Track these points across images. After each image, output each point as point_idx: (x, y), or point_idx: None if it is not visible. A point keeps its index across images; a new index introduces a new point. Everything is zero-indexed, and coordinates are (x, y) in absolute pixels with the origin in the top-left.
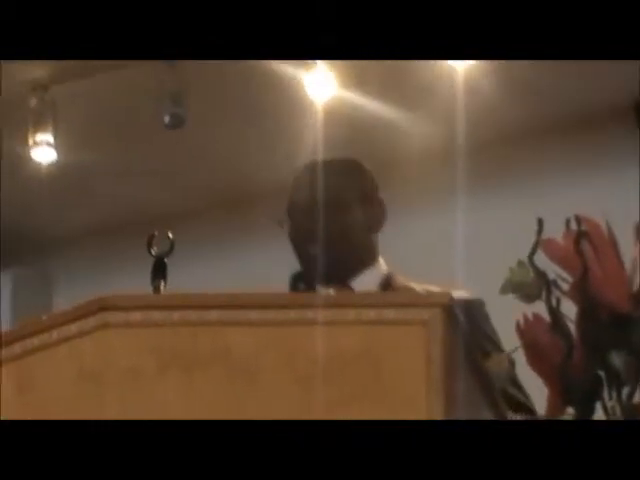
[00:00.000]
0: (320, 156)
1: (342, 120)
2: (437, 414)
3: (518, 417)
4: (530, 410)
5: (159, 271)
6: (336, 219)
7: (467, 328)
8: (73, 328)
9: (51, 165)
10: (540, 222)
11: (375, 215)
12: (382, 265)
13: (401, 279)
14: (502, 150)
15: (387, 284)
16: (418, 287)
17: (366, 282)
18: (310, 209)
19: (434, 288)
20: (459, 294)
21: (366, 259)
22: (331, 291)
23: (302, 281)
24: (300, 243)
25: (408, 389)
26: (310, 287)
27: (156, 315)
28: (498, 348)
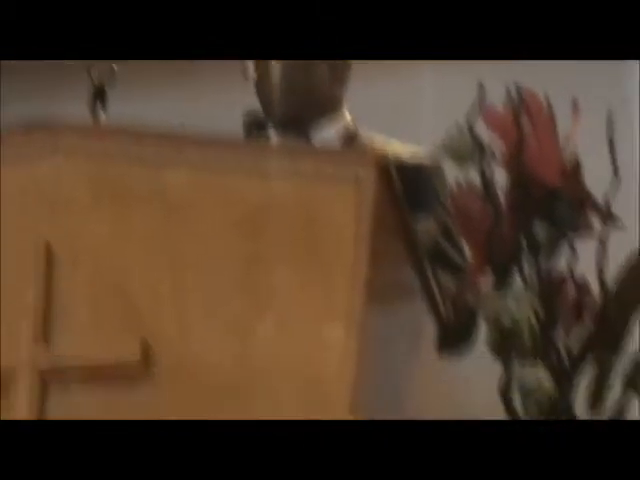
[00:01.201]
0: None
1: None
2: (362, 269)
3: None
4: (458, 266)
5: (99, 99)
6: (299, 64)
7: (408, 187)
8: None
9: None
10: (481, 87)
11: (339, 65)
12: (345, 116)
13: (362, 130)
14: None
15: (348, 136)
16: (378, 140)
17: (326, 131)
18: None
19: (397, 145)
20: (413, 146)
21: (328, 108)
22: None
23: (256, 124)
24: (262, 82)
25: (336, 243)
26: (265, 129)
27: (93, 144)
28: (443, 206)
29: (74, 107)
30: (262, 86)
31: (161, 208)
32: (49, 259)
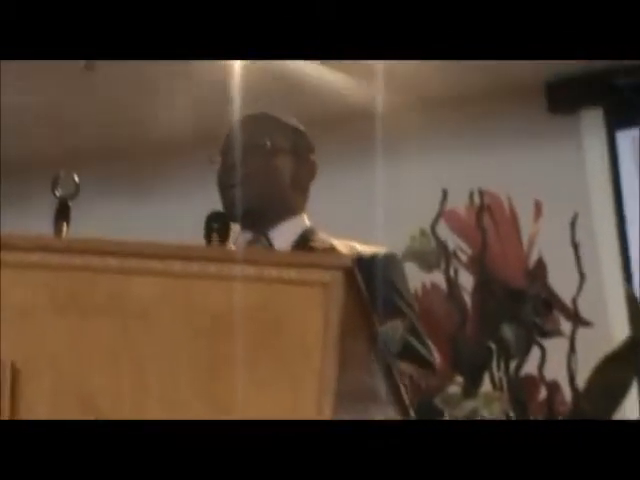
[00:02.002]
0: (237, 110)
1: (268, 75)
2: (330, 375)
3: (418, 370)
4: (429, 363)
5: (62, 213)
6: (264, 164)
7: (371, 288)
8: None
9: None
10: (444, 193)
11: (304, 172)
12: (304, 220)
13: (321, 235)
14: (415, 117)
15: (306, 238)
16: (338, 243)
17: (285, 233)
18: (241, 152)
19: (354, 244)
20: (374, 248)
21: (288, 211)
22: (246, 237)
23: (217, 222)
24: (224, 181)
25: (303, 348)
26: (226, 229)
27: (55, 258)
28: (408, 304)
29: (37, 222)
30: (225, 178)
31: (123, 315)
32: (13, 371)
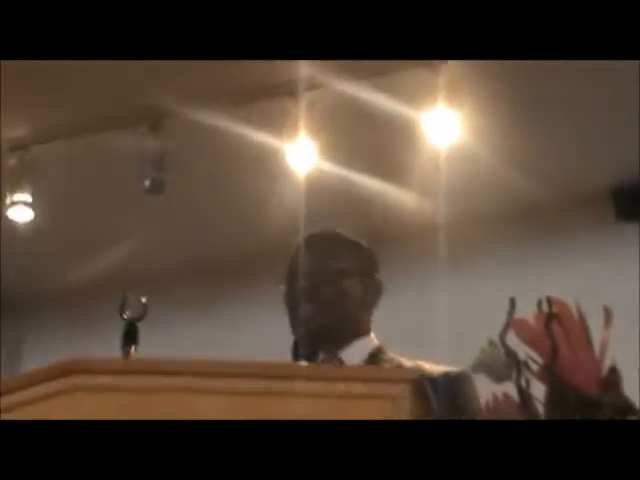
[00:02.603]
0: (302, 228)
1: (324, 192)
2: None
3: None
4: None
5: (130, 335)
6: (334, 287)
7: (441, 403)
8: (40, 390)
9: (27, 225)
10: (512, 302)
11: (372, 292)
12: (373, 338)
13: (390, 353)
14: (479, 229)
15: (376, 356)
16: (407, 362)
17: (355, 353)
18: (309, 274)
19: (423, 363)
20: (444, 367)
21: (358, 330)
22: (320, 360)
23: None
24: (292, 303)
25: None
26: (302, 353)
27: (124, 380)
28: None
29: (106, 346)
30: (293, 299)
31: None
32: None
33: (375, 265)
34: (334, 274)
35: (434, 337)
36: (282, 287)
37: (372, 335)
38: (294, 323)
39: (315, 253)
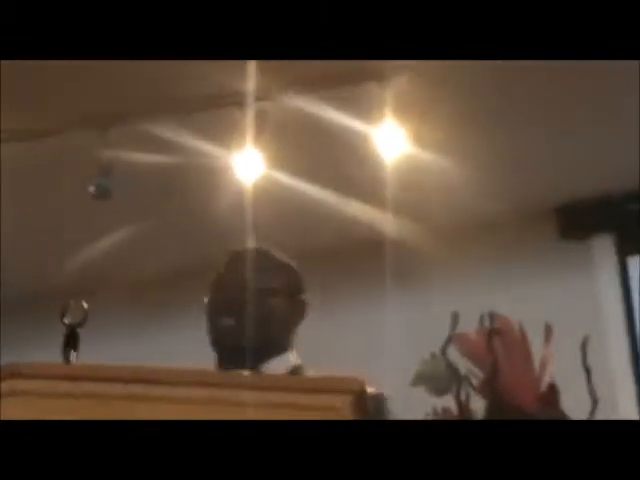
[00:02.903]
0: (250, 237)
1: (272, 204)
2: None
3: None
4: None
5: (71, 341)
6: (260, 304)
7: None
8: None
9: None
10: (455, 316)
11: (296, 312)
12: (294, 356)
13: (311, 371)
14: (427, 243)
15: (296, 374)
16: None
17: (275, 369)
18: (236, 288)
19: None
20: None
21: (279, 349)
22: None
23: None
24: (215, 318)
25: None
26: (219, 363)
27: (64, 385)
28: None
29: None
30: (216, 311)
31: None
32: None
33: (301, 286)
34: (261, 292)
35: (380, 350)
36: (206, 298)
37: (293, 353)
38: (215, 335)
39: (244, 269)
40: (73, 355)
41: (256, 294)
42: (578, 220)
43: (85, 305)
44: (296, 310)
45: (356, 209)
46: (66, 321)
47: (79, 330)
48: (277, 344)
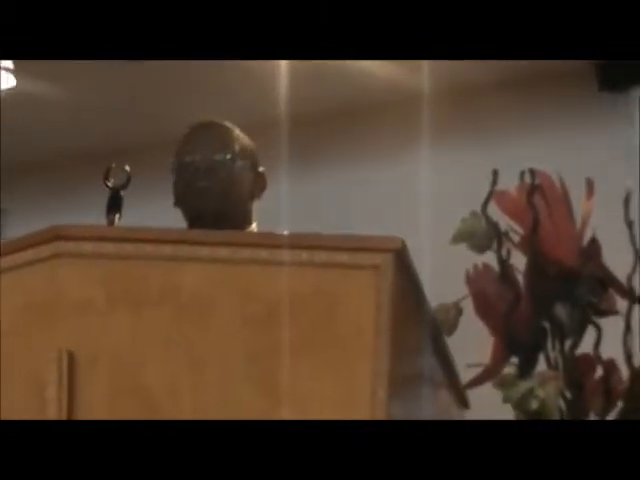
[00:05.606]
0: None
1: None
2: (384, 357)
3: None
4: None
5: (115, 204)
6: (228, 173)
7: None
8: (24, 257)
9: (6, 93)
10: (495, 173)
11: (258, 184)
12: (255, 229)
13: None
14: (461, 100)
15: None
16: None
17: None
18: (204, 155)
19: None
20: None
21: (244, 220)
22: None
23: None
24: (186, 179)
25: (357, 334)
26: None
27: (108, 247)
28: None
29: (89, 212)
30: (192, 179)
31: (176, 305)
32: (70, 362)
33: (257, 160)
34: (228, 161)
35: (417, 209)
36: (172, 159)
37: (254, 226)
38: (186, 196)
39: (209, 139)
40: (117, 218)
41: (225, 163)
42: (617, 72)
43: (127, 168)
44: (258, 182)
45: (390, 67)
46: (109, 184)
47: (122, 193)
48: (244, 215)
